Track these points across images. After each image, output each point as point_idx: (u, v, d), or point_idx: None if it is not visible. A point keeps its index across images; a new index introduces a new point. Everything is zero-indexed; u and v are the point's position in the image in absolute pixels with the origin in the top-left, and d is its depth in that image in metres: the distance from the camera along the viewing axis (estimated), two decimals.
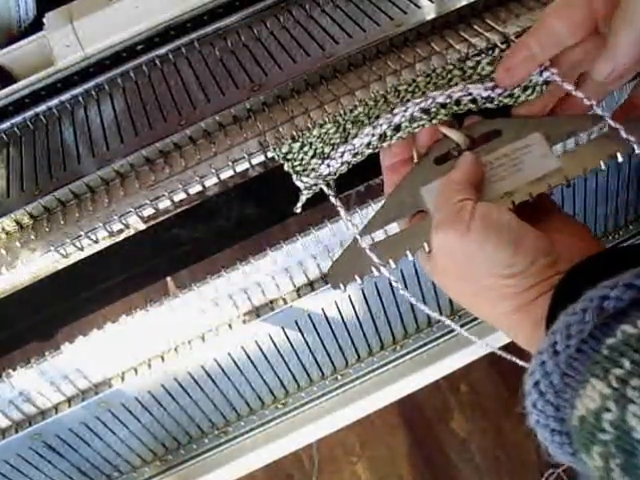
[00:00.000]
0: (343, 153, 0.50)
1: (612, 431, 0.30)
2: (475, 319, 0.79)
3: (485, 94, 0.49)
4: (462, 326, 0.79)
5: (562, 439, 0.35)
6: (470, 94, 0.49)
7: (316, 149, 0.50)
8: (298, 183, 0.50)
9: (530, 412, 0.36)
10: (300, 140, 0.50)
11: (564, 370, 0.34)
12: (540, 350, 0.35)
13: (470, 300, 0.44)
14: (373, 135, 0.49)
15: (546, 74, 0.47)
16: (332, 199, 0.49)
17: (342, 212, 0.48)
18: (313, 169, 0.50)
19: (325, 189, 0.49)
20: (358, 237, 0.46)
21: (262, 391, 0.76)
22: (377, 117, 0.50)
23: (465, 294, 0.44)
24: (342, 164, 0.50)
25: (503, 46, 0.51)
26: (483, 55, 0.51)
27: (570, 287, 0.38)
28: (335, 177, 0.50)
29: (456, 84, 0.50)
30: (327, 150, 0.50)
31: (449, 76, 0.50)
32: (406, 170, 0.48)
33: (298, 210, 0.50)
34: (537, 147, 0.46)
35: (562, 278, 0.39)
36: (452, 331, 0.80)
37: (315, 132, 0.50)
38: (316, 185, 0.49)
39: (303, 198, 0.50)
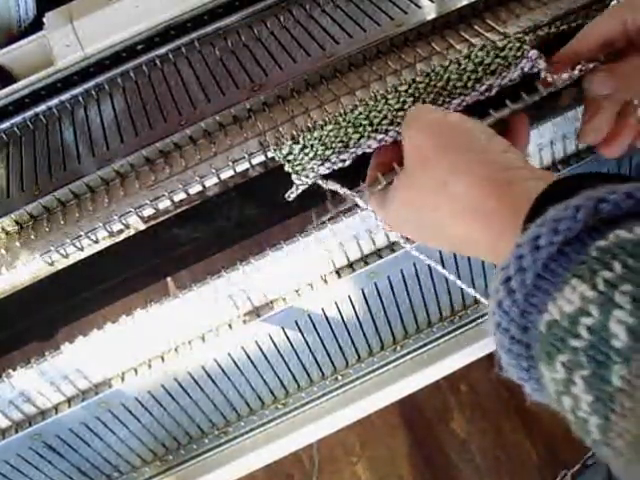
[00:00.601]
0: (344, 160, 0.50)
1: (588, 337, 0.28)
2: (477, 318, 0.79)
3: (482, 97, 0.51)
4: (471, 322, 0.80)
5: (520, 349, 0.32)
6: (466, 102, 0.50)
7: (317, 151, 0.50)
8: (297, 182, 0.50)
9: (492, 312, 0.33)
10: (301, 142, 0.50)
11: (540, 270, 0.31)
12: (519, 242, 0.32)
13: (433, 215, 0.42)
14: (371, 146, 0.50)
15: (534, 65, 0.49)
16: (324, 184, 0.50)
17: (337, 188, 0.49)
18: (312, 169, 0.50)
19: (320, 182, 0.50)
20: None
21: (262, 391, 0.76)
22: (378, 123, 0.50)
23: (428, 205, 0.42)
24: (340, 162, 0.50)
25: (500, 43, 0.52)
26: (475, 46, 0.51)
27: (564, 189, 0.34)
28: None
29: (454, 86, 0.50)
30: (328, 153, 0.50)
31: (447, 75, 0.51)
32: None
33: (290, 198, 0.51)
34: None
35: (554, 180, 0.36)
36: (452, 331, 0.80)
37: (316, 134, 0.50)
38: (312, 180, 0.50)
39: (298, 190, 0.51)
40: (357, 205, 0.48)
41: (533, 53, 0.50)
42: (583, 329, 0.28)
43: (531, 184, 0.37)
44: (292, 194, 0.51)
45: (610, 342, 0.27)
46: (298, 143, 0.50)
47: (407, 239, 0.51)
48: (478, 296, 0.55)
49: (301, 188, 0.51)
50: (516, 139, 0.48)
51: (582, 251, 0.30)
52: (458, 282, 0.54)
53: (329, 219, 0.50)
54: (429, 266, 0.70)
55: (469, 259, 0.73)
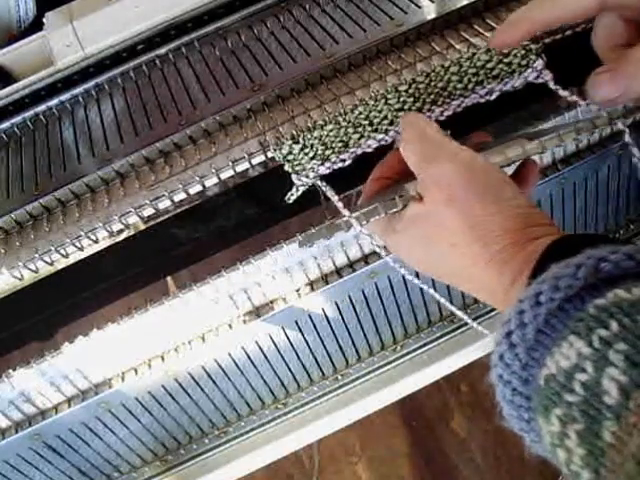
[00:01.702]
0: (344, 160, 0.50)
1: (581, 393, 0.28)
2: (481, 316, 0.79)
3: (482, 100, 0.51)
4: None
5: (521, 401, 0.33)
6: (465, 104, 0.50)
7: (317, 151, 0.50)
8: (297, 182, 0.50)
9: (495, 365, 0.34)
10: (301, 142, 0.50)
11: (541, 326, 0.31)
12: (521, 298, 0.33)
13: (445, 252, 0.41)
14: (371, 145, 0.50)
15: (539, 76, 0.48)
16: (323, 188, 0.50)
17: (335, 200, 0.49)
18: (312, 169, 0.50)
19: (319, 183, 0.50)
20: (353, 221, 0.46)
21: (262, 391, 0.76)
22: (378, 123, 0.50)
23: (444, 243, 0.41)
24: (340, 162, 0.50)
25: None
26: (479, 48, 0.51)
27: (566, 247, 0.35)
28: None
29: (454, 87, 0.50)
30: (328, 153, 0.50)
31: (447, 75, 0.51)
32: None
33: (290, 200, 0.51)
34: None
35: (558, 238, 0.37)
36: (452, 331, 0.80)
37: (316, 134, 0.50)
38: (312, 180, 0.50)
39: (298, 192, 0.51)
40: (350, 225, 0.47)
41: (539, 63, 0.50)
42: (577, 384, 0.29)
43: (542, 241, 0.38)
44: (292, 196, 0.51)
45: (602, 398, 0.28)
46: (298, 143, 0.50)
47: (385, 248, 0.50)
48: (455, 310, 0.56)
49: (301, 190, 0.51)
50: (525, 184, 0.48)
51: (581, 308, 0.30)
52: (434, 294, 0.54)
53: (321, 229, 0.50)
54: None
55: None
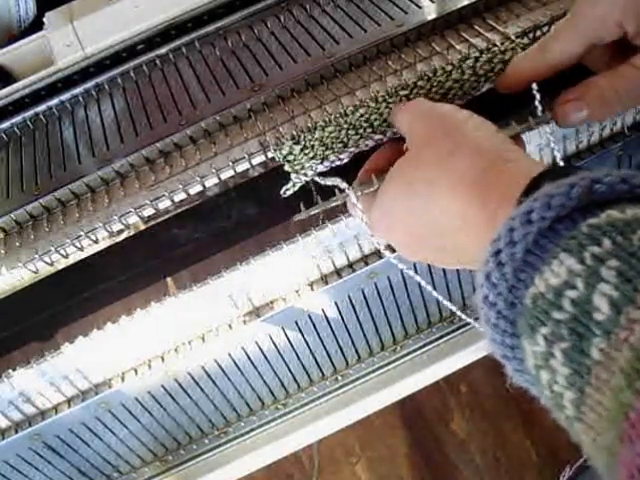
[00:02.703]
0: (342, 159, 0.51)
1: (570, 310, 0.28)
2: (478, 318, 0.79)
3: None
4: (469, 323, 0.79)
5: (505, 325, 0.32)
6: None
7: (317, 151, 0.50)
8: (295, 180, 0.51)
9: (481, 285, 0.33)
10: (302, 143, 0.50)
11: (530, 246, 0.31)
12: (512, 216, 0.32)
13: (428, 192, 0.41)
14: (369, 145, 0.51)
15: None
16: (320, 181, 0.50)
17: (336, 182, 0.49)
18: (311, 167, 0.50)
19: (316, 179, 0.50)
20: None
21: (262, 391, 0.76)
22: (379, 125, 0.50)
23: (426, 179, 0.41)
24: (338, 160, 0.51)
25: (502, 46, 0.51)
26: (482, 54, 0.51)
27: (559, 172, 0.34)
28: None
29: (454, 94, 0.51)
30: (328, 153, 0.50)
31: (448, 83, 0.51)
32: None
33: (286, 194, 0.52)
34: None
35: (552, 166, 0.37)
36: (452, 332, 0.80)
37: (317, 135, 0.50)
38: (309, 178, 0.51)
39: (295, 187, 0.52)
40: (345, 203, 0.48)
41: None
42: (567, 302, 0.28)
43: (529, 164, 0.38)
44: (288, 191, 0.52)
45: (592, 315, 0.27)
46: (299, 143, 0.50)
47: (389, 247, 0.50)
48: (453, 308, 0.56)
49: (298, 185, 0.51)
50: None
51: (573, 228, 0.30)
52: (434, 293, 0.55)
53: (316, 215, 0.50)
54: (429, 266, 0.70)
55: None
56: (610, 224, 0.29)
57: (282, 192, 0.51)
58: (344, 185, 0.48)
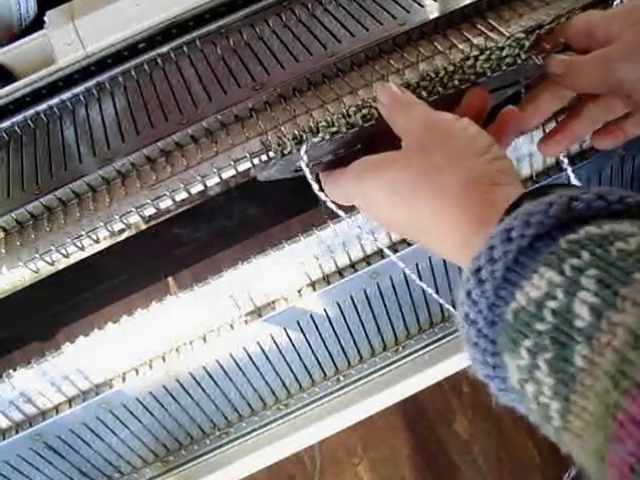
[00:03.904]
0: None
1: (551, 320, 0.28)
2: None
3: None
4: None
5: (486, 344, 0.33)
6: None
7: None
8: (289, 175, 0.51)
9: (462, 303, 0.33)
10: (304, 143, 0.50)
11: (510, 264, 0.31)
12: (492, 234, 0.32)
13: (417, 195, 0.40)
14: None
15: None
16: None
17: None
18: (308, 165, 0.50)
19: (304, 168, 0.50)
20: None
21: (264, 392, 0.75)
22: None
23: (416, 186, 0.41)
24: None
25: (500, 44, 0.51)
26: (481, 53, 0.51)
27: (540, 194, 0.35)
28: None
29: (451, 94, 0.50)
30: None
31: (450, 84, 0.51)
32: None
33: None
34: None
35: (535, 187, 0.37)
36: (454, 332, 0.80)
37: (320, 135, 0.50)
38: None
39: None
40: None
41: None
42: (548, 312, 0.29)
43: (515, 190, 0.38)
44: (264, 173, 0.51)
45: (573, 323, 0.28)
46: (301, 143, 0.50)
47: (394, 249, 0.50)
48: (454, 311, 0.55)
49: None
50: (503, 133, 0.47)
51: (552, 244, 0.30)
52: (434, 295, 0.55)
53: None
54: (431, 266, 0.70)
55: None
56: (588, 238, 0.29)
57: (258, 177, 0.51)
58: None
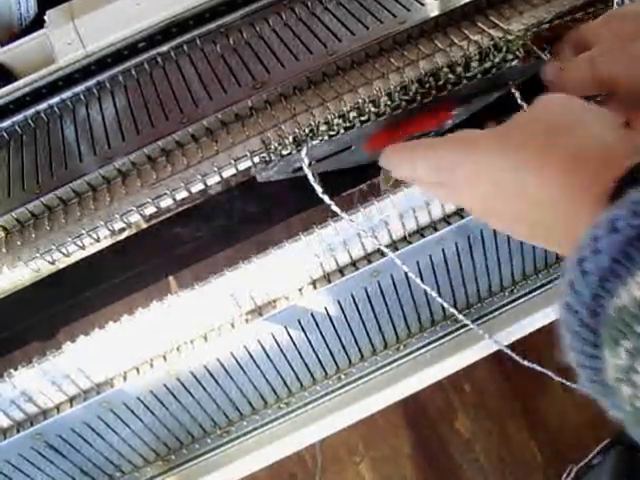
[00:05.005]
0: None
1: None
2: (484, 316, 0.79)
3: None
4: (475, 321, 0.79)
5: (587, 334, 0.31)
6: None
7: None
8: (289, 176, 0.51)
9: (565, 292, 0.31)
10: (304, 143, 0.50)
11: (617, 254, 0.29)
12: (596, 224, 0.30)
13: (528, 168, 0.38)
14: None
15: None
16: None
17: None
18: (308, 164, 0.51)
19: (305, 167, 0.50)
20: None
21: (265, 390, 0.75)
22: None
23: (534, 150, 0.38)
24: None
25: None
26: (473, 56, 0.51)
27: None
28: None
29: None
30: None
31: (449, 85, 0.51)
32: None
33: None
34: None
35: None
36: (456, 330, 0.80)
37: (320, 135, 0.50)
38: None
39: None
40: None
41: None
42: None
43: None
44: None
45: None
46: (300, 145, 0.50)
47: (394, 247, 0.50)
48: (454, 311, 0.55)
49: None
50: None
51: None
52: (435, 295, 0.54)
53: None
54: (432, 266, 0.70)
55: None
56: None
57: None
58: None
